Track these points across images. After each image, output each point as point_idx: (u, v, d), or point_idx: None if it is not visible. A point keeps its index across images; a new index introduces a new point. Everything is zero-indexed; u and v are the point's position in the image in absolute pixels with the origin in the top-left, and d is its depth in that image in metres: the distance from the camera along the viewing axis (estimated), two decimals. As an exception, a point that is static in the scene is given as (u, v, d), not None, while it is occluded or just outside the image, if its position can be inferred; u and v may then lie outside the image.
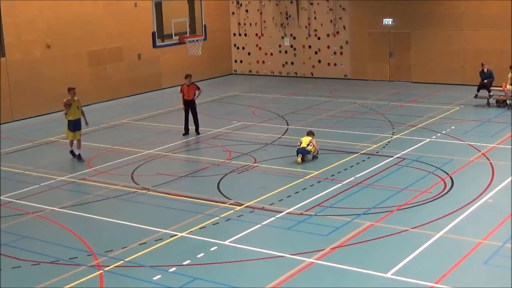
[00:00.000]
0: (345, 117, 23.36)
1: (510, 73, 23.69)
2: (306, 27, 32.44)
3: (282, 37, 33.15)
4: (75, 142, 19.20)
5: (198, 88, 21.59)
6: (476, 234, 12.58)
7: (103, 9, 27.99)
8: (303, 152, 17.77)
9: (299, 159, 17.73)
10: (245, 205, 14.69)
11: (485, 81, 24.28)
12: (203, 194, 15.59)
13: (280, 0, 32.88)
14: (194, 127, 21.51)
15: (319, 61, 32.35)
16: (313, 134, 18.16)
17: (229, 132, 21.75)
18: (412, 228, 13.00)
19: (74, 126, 18.97)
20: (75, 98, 19.05)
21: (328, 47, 32.00)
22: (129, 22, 28.87)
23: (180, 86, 21.91)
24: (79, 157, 18.98)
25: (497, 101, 24.03)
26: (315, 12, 32.10)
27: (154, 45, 22.36)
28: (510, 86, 23.45)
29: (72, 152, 19.16)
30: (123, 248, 12.57)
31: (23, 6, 25.06)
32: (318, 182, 16.13)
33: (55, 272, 11.63)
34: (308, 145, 17.74)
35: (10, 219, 14.47)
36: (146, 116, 24.95)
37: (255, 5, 33.66)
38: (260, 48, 33.99)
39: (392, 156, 18.03)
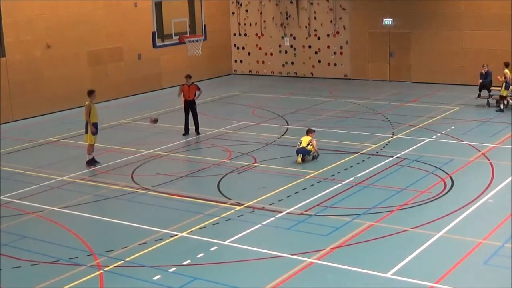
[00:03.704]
0: (345, 117, 23.35)
1: (505, 69, 23.76)
2: (306, 27, 32.43)
3: (282, 37, 33.15)
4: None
5: (199, 89, 21.58)
6: (476, 234, 12.57)
7: (103, 9, 27.97)
8: (303, 152, 17.76)
9: (299, 159, 17.72)
10: (245, 205, 14.68)
11: (480, 81, 24.35)
12: (203, 194, 15.58)
13: (280, 0, 32.89)
14: (194, 127, 21.51)
15: (319, 61, 32.35)
16: (313, 131, 18.15)
17: (229, 132, 21.74)
18: (412, 228, 12.99)
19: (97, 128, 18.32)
20: (87, 102, 18.17)
21: (328, 47, 32.00)
22: (129, 22, 28.86)
23: (180, 86, 21.91)
24: (96, 162, 18.40)
25: (497, 101, 24.02)
26: (315, 12, 32.10)
27: (154, 45, 22.37)
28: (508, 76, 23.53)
29: (93, 159, 18.27)
30: (123, 248, 12.57)
31: (23, 6, 25.05)
32: (318, 182, 16.12)
33: (55, 272, 11.63)
34: (308, 145, 17.73)
35: (10, 219, 14.47)
36: (146, 116, 24.91)
37: (255, 5, 33.66)
38: (260, 48, 33.99)
39: (392, 156, 18.02)
